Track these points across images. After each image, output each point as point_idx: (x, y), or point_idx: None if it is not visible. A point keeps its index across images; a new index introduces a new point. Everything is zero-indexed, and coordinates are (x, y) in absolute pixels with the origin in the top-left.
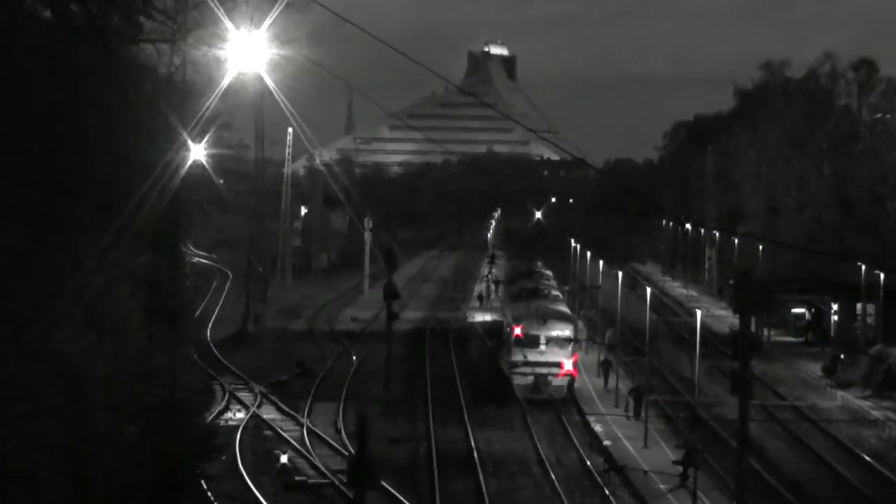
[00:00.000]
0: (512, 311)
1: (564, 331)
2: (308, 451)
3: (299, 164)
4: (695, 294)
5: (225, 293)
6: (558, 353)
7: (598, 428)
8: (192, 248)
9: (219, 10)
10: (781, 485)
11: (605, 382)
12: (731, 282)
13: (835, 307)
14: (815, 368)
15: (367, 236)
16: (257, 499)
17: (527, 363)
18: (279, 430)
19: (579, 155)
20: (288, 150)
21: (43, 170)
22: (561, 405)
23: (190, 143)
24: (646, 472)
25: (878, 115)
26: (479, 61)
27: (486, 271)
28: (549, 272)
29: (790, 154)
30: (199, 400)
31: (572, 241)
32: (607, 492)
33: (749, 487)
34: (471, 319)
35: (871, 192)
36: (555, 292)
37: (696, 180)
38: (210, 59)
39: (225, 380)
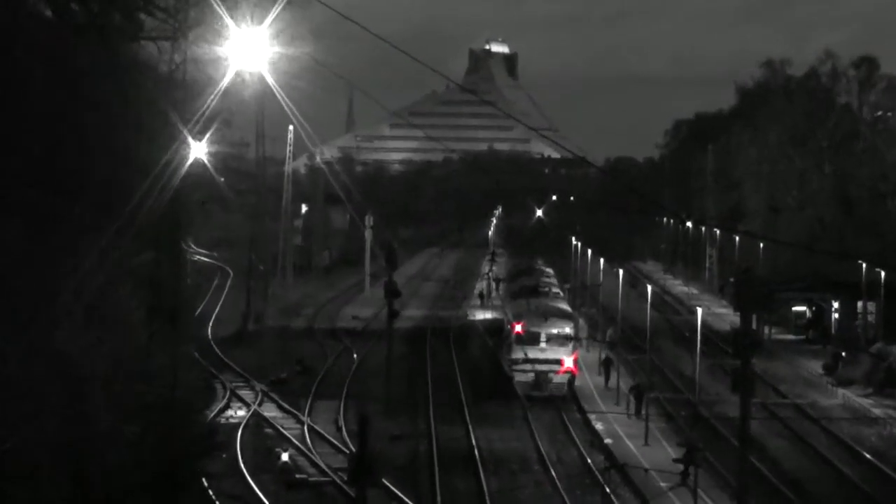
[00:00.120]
0: (512, 309)
1: (565, 328)
2: (309, 449)
3: (300, 162)
4: (696, 292)
5: (226, 291)
6: (559, 351)
7: (598, 426)
8: (193, 246)
9: (220, 7)
10: (782, 483)
11: (607, 381)
12: (732, 280)
13: (836, 305)
14: (815, 366)
15: (368, 234)
16: (258, 497)
17: (527, 360)
18: (280, 428)
19: (580, 153)
20: (289, 149)
21: (43, 169)
22: (561, 403)
23: (191, 141)
24: (646, 471)
25: (879, 113)
26: (480, 59)
27: (486, 269)
28: (549, 270)
29: (791, 152)
30: (199, 398)
31: (573, 239)
32: (608, 490)
33: (750, 485)
34: (471, 318)
35: (872, 190)
36: (555, 290)
37: (696, 179)
38: (211, 57)
39: (226, 378)
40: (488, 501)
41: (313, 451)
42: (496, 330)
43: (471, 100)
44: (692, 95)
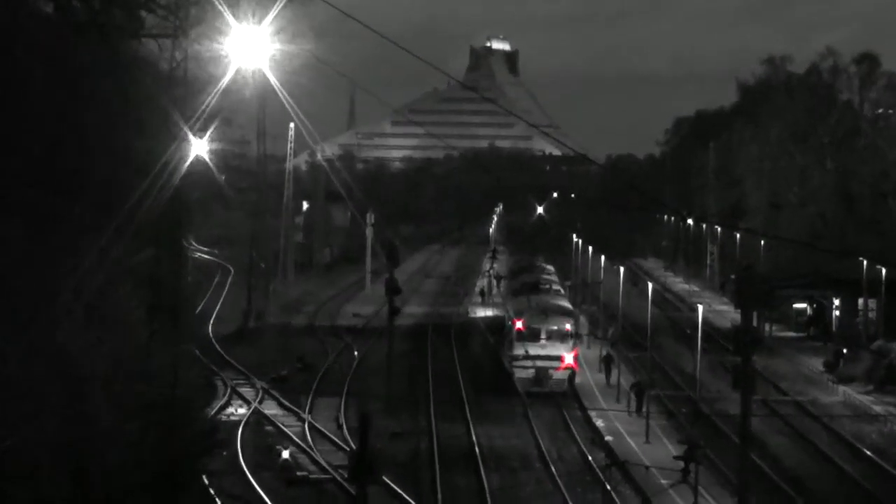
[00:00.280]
0: (513, 306)
1: (565, 325)
2: (309, 446)
3: (301, 159)
4: (696, 289)
5: (227, 289)
6: (559, 347)
7: (599, 423)
8: (193, 243)
9: (221, 5)
10: (783, 480)
11: (608, 378)
12: (733, 277)
13: (836, 302)
14: (816, 363)
15: (369, 232)
16: (259, 495)
17: (528, 357)
18: (280, 426)
19: (581, 150)
20: (290, 146)
21: (43, 168)
22: (562, 400)
23: (191, 138)
24: (647, 468)
25: (880, 110)
26: (481, 56)
27: (487, 267)
28: (550, 267)
29: (792, 149)
30: (200, 396)
31: (574, 236)
32: (609, 487)
33: (751, 483)
34: (472, 315)
35: (873, 187)
36: (556, 287)
37: (697, 176)
38: (212, 54)
39: (226, 375)
40: (489, 499)
41: (314, 449)
42: (497, 327)
43: (472, 97)
44: (693, 93)
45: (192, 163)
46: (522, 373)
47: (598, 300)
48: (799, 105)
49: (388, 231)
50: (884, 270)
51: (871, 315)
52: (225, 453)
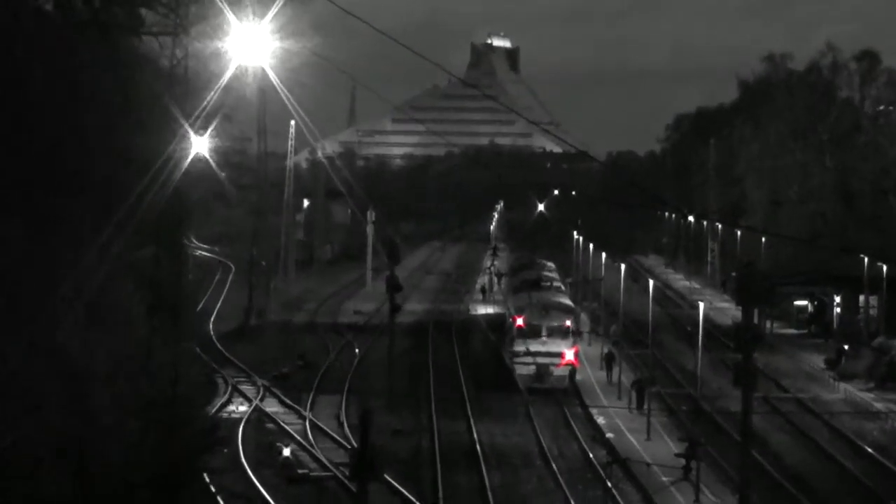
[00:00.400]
0: (514, 302)
1: (565, 321)
2: (310, 444)
3: (301, 156)
4: (697, 286)
5: (227, 286)
6: (559, 344)
7: (600, 421)
8: (194, 241)
9: (221, 2)
10: (784, 477)
11: (609, 376)
12: (734, 274)
13: (837, 299)
14: (817, 361)
15: (370, 229)
16: (259, 492)
17: (529, 353)
18: (281, 423)
19: (582, 147)
20: (290, 143)
21: (43, 166)
22: (563, 397)
23: (192, 136)
24: (648, 465)
25: (881, 107)
26: (482, 53)
27: (488, 264)
28: (551, 264)
29: (793, 146)
30: (201, 394)
31: (575, 233)
32: (610, 485)
33: (752, 480)
34: (473, 312)
35: (874, 184)
36: (557, 284)
37: (698, 173)
38: (212, 52)
39: (227, 373)
40: (490, 496)
41: (315, 446)
42: (498, 324)
43: (473, 94)
44: (693, 90)
45: (192, 160)
46: (523, 369)
47: (599, 297)
48: (799, 102)
49: (388, 228)
50: (884, 267)
51: (872, 312)
52: (226, 451)
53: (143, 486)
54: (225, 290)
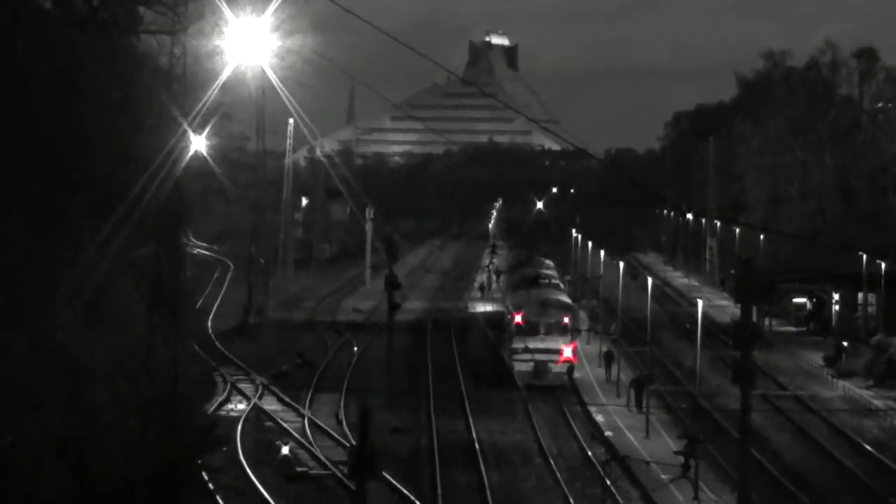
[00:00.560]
0: (512, 300)
1: (563, 318)
2: (309, 442)
3: (300, 154)
4: (696, 284)
5: (226, 284)
6: (557, 341)
7: (599, 418)
8: (193, 239)
9: (220, 1)
10: (783, 475)
11: (608, 373)
12: (733, 272)
13: (836, 297)
14: (816, 358)
15: (369, 227)
16: (258, 490)
17: (527, 350)
18: (280, 422)
19: (581, 145)
20: (289, 141)
21: (43, 163)
22: (562, 395)
23: (191, 134)
24: (647, 463)
25: (880, 104)
26: (481, 51)
27: (487, 261)
28: (550, 262)
29: (792, 144)
30: (200, 392)
31: (574, 231)
32: (609, 482)
33: (751, 477)
34: (472, 310)
35: (873, 182)
36: (555, 281)
37: (697, 170)
38: (211, 50)
39: (226, 371)
40: (489, 494)
41: (314, 444)
42: (497, 322)
43: (471, 92)
44: (693, 88)
45: (191, 158)
46: (522, 366)
47: (597, 295)
48: (798, 100)
49: (387, 226)
50: (883, 265)
51: (871, 309)
52: (225, 449)
53: (143, 485)
54: (223, 288)
